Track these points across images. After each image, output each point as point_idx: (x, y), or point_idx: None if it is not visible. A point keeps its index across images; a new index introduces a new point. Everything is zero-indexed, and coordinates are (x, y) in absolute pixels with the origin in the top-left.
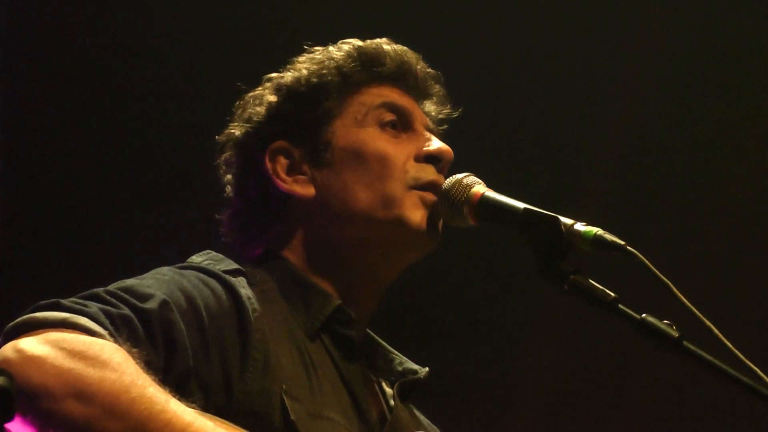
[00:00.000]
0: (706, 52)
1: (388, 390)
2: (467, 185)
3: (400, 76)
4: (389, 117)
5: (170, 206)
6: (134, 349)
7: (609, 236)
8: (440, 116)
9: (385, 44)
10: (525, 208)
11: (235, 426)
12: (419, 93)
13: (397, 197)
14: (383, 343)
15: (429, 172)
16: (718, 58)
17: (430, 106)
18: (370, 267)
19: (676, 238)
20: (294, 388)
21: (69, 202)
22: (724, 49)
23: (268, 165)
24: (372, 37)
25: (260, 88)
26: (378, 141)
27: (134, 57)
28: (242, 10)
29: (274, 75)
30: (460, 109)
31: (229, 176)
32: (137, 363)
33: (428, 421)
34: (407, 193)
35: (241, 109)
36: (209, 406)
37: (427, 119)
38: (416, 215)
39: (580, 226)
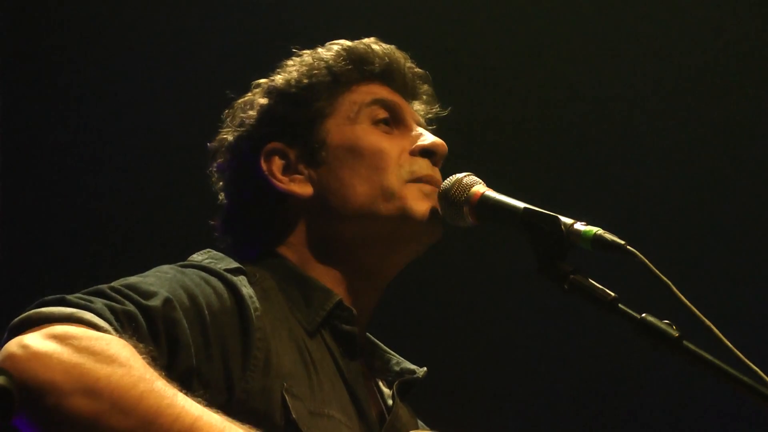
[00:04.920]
0: (707, 51)
1: (386, 390)
2: (467, 185)
3: (389, 75)
4: (382, 114)
5: (171, 205)
6: (140, 345)
7: (609, 236)
8: (429, 116)
9: (373, 44)
10: (525, 208)
11: (241, 423)
12: (407, 92)
13: (396, 190)
14: (379, 343)
15: (424, 166)
16: (720, 57)
17: (418, 106)
18: (371, 263)
19: (676, 238)
20: (295, 386)
21: (69, 201)
22: (726, 49)
23: (264, 166)
24: (357, 37)
25: (249, 94)
26: (372, 136)
27: (135, 57)
28: (234, 16)
29: (262, 81)
30: (449, 109)
31: (221, 183)
32: (143, 358)
33: (422, 423)
34: (406, 186)
35: (231, 116)
36: (211, 404)
37: (417, 116)
38: (420, 206)
39: (580, 226)
